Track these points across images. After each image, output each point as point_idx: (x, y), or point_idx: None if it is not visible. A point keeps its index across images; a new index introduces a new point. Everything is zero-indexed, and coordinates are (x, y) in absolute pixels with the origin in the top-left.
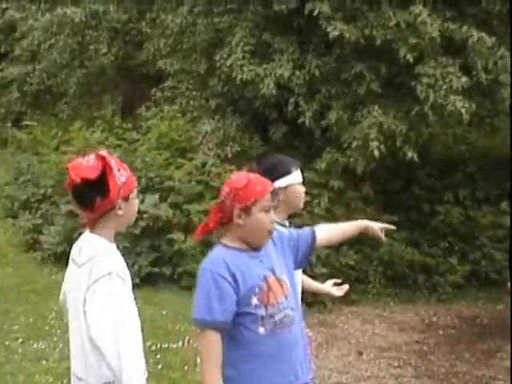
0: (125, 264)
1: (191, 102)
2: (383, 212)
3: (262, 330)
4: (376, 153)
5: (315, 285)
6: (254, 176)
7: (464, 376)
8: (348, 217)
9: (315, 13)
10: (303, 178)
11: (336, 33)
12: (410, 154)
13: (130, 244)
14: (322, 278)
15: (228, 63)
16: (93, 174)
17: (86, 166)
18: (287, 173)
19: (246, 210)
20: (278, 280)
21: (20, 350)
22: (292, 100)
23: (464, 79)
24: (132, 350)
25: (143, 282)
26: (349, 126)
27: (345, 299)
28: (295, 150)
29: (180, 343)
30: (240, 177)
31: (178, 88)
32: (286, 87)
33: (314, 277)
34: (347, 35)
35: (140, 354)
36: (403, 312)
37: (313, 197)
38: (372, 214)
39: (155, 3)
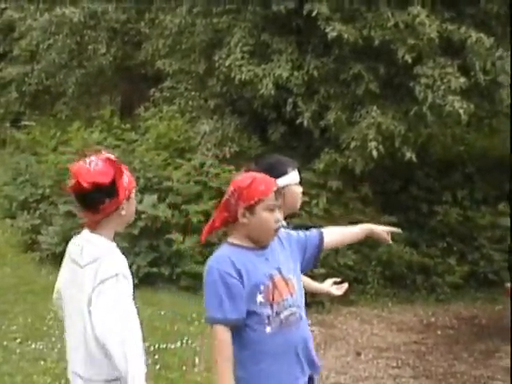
0: (127, 263)
1: (190, 103)
2: (382, 212)
3: (268, 329)
4: (374, 153)
5: (314, 285)
6: (259, 175)
7: (462, 376)
8: (346, 217)
9: (314, 13)
10: (301, 178)
11: (334, 33)
12: (408, 155)
13: (128, 244)
14: (321, 279)
15: (227, 63)
16: (106, 179)
17: (96, 170)
18: (284, 173)
19: (250, 209)
20: (284, 279)
21: (18, 351)
22: (290, 100)
23: (462, 80)
24: (136, 351)
25: (142, 282)
26: (347, 127)
27: (343, 299)
28: (294, 151)
29: (178, 343)
30: (245, 176)
31: (177, 88)
32: (284, 87)
33: (312, 277)
34: (346, 36)
35: (142, 353)
36: (402, 312)
37: (311, 197)
38: (370, 214)
39: (154, 3)
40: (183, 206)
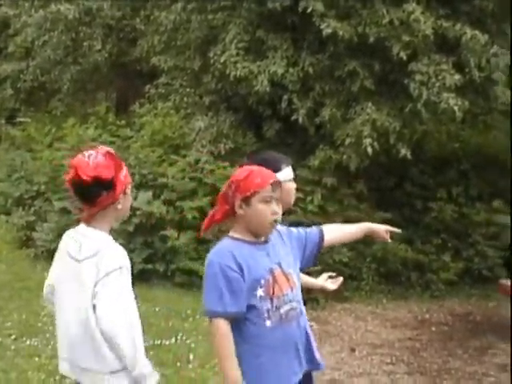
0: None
1: (185, 99)
2: (376, 209)
3: (268, 322)
4: (369, 150)
5: (310, 281)
6: (256, 168)
7: (456, 372)
8: (341, 214)
9: (309, 10)
10: (296, 175)
11: (329, 30)
12: (403, 151)
13: (123, 241)
14: (316, 275)
15: (222, 60)
16: (108, 174)
17: (96, 164)
18: (278, 169)
19: (247, 201)
20: (285, 273)
21: (13, 347)
22: (285, 97)
23: (457, 77)
24: (141, 341)
25: (136, 278)
26: (342, 123)
27: (338, 296)
28: (289, 147)
29: (173, 340)
30: (243, 169)
31: (172, 85)
32: (279, 84)
33: (308, 273)
34: (341, 33)
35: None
36: (396, 309)
37: (306, 194)
38: (365, 211)
39: (149, 0)
40: (178, 203)
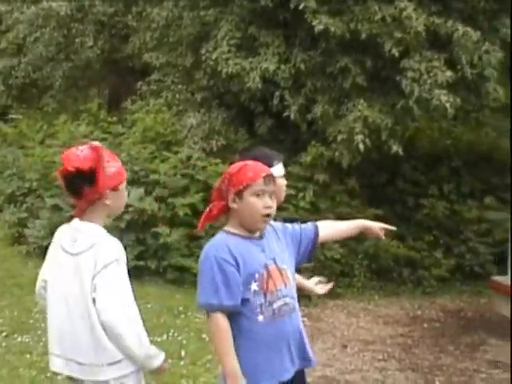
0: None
1: (177, 96)
2: (368, 206)
3: (261, 317)
4: (361, 146)
5: (300, 281)
6: (250, 163)
7: (448, 369)
8: (333, 210)
9: (301, 7)
10: (288, 171)
11: (321, 27)
12: (395, 148)
13: (115, 237)
14: (307, 272)
15: (214, 57)
16: (86, 165)
17: (79, 156)
18: (269, 166)
19: (239, 194)
20: (279, 269)
21: (4, 344)
22: (277, 94)
23: (449, 73)
24: (142, 328)
25: (128, 275)
26: (334, 120)
27: (330, 292)
28: (281, 144)
29: (165, 336)
30: (237, 163)
31: (164, 81)
32: (271, 81)
33: (299, 271)
34: (333, 29)
35: None
36: (388, 305)
37: (298, 190)
38: (357, 207)
39: None
40: (170, 199)
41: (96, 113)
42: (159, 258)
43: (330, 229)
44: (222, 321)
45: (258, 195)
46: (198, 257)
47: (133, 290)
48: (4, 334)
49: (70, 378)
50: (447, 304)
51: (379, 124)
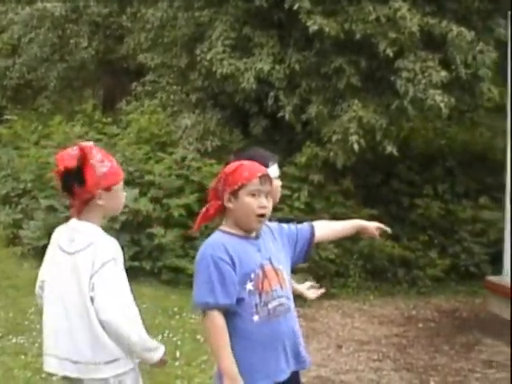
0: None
1: (171, 96)
2: (363, 206)
3: (256, 317)
4: (356, 147)
5: (293, 284)
6: (247, 162)
7: (443, 369)
8: (328, 211)
9: (295, 7)
10: (283, 172)
11: (316, 27)
12: (389, 148)
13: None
14: (302, 272)
15: (208, 57)
16: (73, 164)
17: (69, 155)
18: (264, 167)
19: (234, 194)
20: (274, 269)
21: None
22: (272, 94)
23: (443, 73)
24: (141, 325)
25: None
26: (329, 120)
27: (325, 293)
28: (275, 144)
29: (159, 337)
30: (234, 163)
31: (159, 82)
32: (266, 81)
33: (293, 271)
34: (327, 29)
35: None
36: (383, 305)
37: (293, 191)
38: (352, 207)
39: None
40: (165, 200)
41: (91, 114)
42: (154, 258)
43: (326, 229)
44: (218, 319)
45: (253, 195)
46: (193, 257)
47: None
48: None
49: (66, 378)
50: (442, 304)
51: (374, 124)
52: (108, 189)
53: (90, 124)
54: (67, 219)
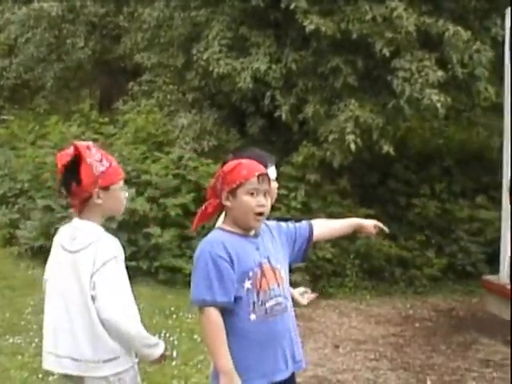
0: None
1: (168, 96)
2: (360, 205)
3: (253, 316)
4: (352, 146)
5: None
6: (245, 161)
7: (440, 368)
8: (325, 210)
9: (292, 7)
10: (279, 171)
11: (312, 27)
12: (386, 148)
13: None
14: (299, 272)
15: (205, 57)
16: (65, 160)
17: (66, 154)
18: None
19: (233, 193)
20: (272, 268)
21: None
22: (269, 94)
23: (440, 73)
24: (140, 323)
25: None
26: (325, 120)
27: (322, 292)
28: (272, 144)
29: (156, 337)
30: (232, 161)
31: (155, 82)
32: (262, 81)
33: (291, 270)
34: (323, 29)
35: None
36: (380, 305)
37: (289, 190)
38: (349, 207)
39: None
40: (161, 200)
41: (87, 113)
42: (151, 258)
43: (324, 227)
44: (215, 317)
45: (251, 194)
46: (190, 257)
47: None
48: None
49: (66, 376)
50: (439, 303)
51: (370, 124)
52: (106, 188)
53: (87, 124)
54: (64, 219)
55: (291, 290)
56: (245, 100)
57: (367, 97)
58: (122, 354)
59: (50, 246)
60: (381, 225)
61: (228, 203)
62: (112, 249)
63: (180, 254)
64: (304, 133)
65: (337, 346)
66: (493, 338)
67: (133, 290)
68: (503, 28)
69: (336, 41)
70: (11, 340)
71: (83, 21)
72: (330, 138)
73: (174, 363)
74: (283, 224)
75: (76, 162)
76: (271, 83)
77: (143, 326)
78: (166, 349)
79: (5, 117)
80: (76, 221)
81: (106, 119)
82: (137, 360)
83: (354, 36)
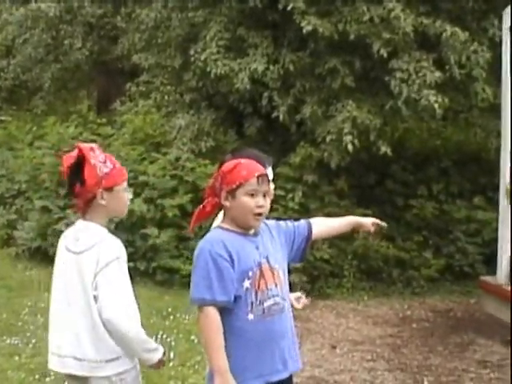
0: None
1: (166, 97)
2: (357, 206)
3: (251, 316)
4: (350, 147)
5: None
6: (245, 161)
7: (437, 369)
8: (322, 211)
9: (289, 8)
10: (277, 172)
11: (310, 28)
12: (383, 149)
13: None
14: (297, 273)
15: (202, 58)
16: (69, 162)
17: (69, 156)
18: None
19: (232, 193)
20: (271, 268)
21: None
22: (266, 95)
23: (437, 74)
24: (140, 325)
25: None
26: (323, 121)
27: (319, 293)
28: (270, 145)
29: (153, 338)
30: (231, 161)
31: (153, 83)
32: (260, 82)
33: (289, 271)
34: (321, 30)
35: None
36: (377, 306)
37: (287, 191)
38: (346, 208)
39: None
40: (159, 201)
41: (85, 114)
42: (148, 259)
43: (323, 226)
44: (213, 316)
45: (251, 195)
46: (188, 258)
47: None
48: None
49: (71, 376)
50: (437, 304)
51: (368, 124)
52: (110, 189)
53: (85, 125)
54: (61, 220)
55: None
56: (242, 101)
57: (365, 97)
58: (124, 354)
59: (48, 247)
60: (379, 222)
61: (227, 203)
62: (115, 250)
63: (177, 255)
64: (301, 133)
65: (334, 347)
66: (490, 338)
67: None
68: (501, 29)
69: (333, 42)
70: (8, 341)
71: (81, 21)
72: (328, 138)
73: (171, 364)
74: (282, 223)
75: (80, 163)
76: (269, 84)
77: (141, 326)
78: (164, 354)
79: (2, 118)
80: (80, 222)
81: (104, 120)
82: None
83: (352, 37)
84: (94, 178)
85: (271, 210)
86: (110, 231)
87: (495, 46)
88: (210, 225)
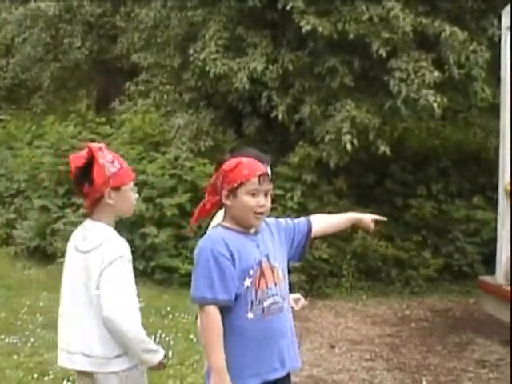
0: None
1: (165, 96)
2: (356, 206)
3: (250, 315)
4: (349, 147)
5: None
6: (246, 160)
7: (435, 368)
8: (321, 211)
9: (288, 7)
10: (275, 172)
11: (309, 27)
12: (382, 148)
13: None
14: (296, 272)
15: (201, 57)
16: (79, 162)
17: (78, 155)
18: None
19: (233, 192)
20: (271, 267)
21: None
22: (265, 94)
23: (436, 73)
24: (140, 325)
25: None
26: (322, 120)
27: (318, 293)
28: (268, 144)
29: (152, 337)
30: (233, 160)
31: (152, 82)
32: (259, 81)
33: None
34: (320, 29)
35: None
36: (376, 305)
37: (286, 191)
38: (345, 207)
39: None
40: (158, 200)
41: (84, 113)
42: (147, 258)
43: (323, 223)
44: (214, 315)
45: (252, 194)
46: (186, 257)
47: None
48: None
49: (81, 373)
50: (435, 304)
51: (367, 124)
52: (117, 188)
53: (84, 124)
54: (60, 219)
55: None
56: (241, 100)
57: (364, 97)
58: (136, 352)
59: (46, 246)
60: (379, 217)
61: (228, 202)
62: (119, 249)
63: (176, 254)
64: (300, 133)
65: (333, 347)
66: (489, 338)
67: None
68: (500, 28)
69: (333, 41)
70: (7, 340)
71: (80, 21)
72: (327, 138)
73: (169, 363)
74: (282, 221)
75: (89, 163)
76: (268, 83)
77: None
78: (165, 356)
79: (2, 117)
80: (88, 222)
81: (103, 119)
82: None
83: (351, 36)
84: (102, 178)
85: (270, 209)
86: None
87: (494, 46)
88: (209, 224)
